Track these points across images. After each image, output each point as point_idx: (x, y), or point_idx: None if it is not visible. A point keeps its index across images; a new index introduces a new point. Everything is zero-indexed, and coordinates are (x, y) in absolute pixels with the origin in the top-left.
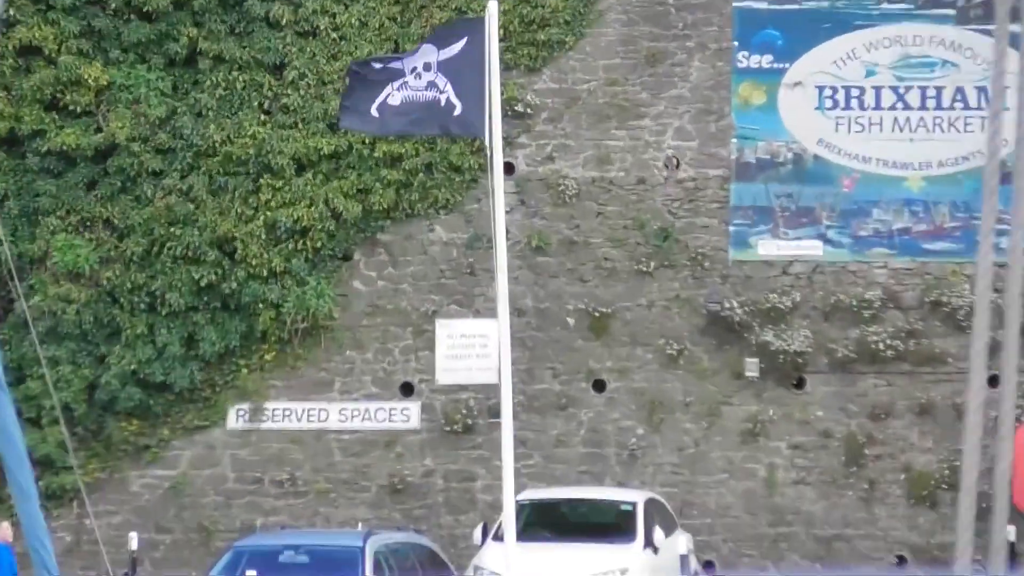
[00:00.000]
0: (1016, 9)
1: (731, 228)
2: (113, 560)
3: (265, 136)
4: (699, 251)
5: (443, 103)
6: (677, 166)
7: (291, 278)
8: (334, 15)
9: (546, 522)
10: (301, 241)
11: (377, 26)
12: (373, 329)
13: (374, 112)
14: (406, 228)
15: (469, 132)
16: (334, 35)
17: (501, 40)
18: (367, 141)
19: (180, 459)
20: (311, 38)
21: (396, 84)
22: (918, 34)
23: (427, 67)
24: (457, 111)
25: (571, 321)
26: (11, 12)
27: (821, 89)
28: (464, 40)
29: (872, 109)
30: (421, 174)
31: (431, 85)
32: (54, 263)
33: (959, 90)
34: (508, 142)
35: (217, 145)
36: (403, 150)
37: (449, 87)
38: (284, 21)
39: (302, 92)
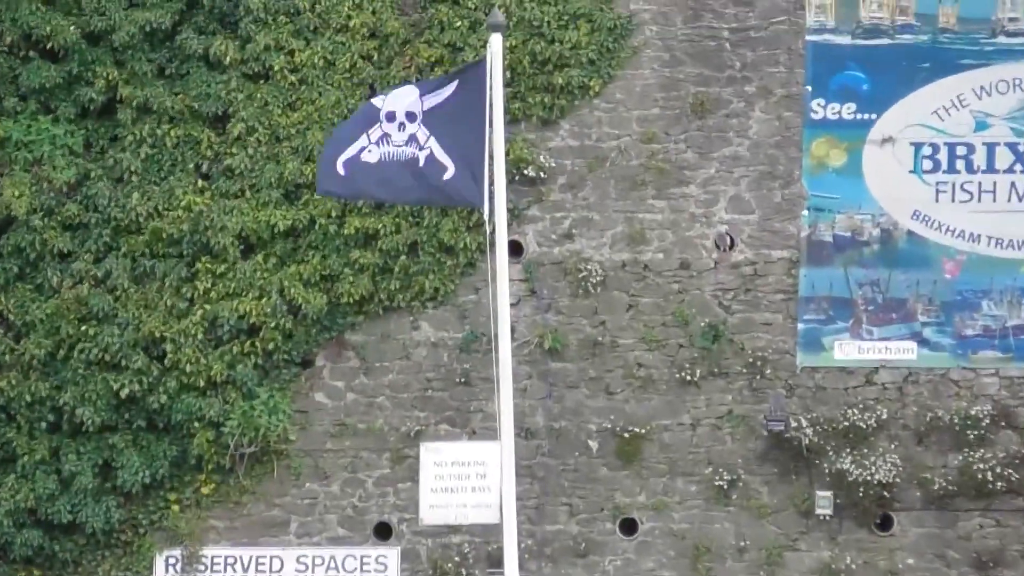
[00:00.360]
0: None
1: (800, 326)
2: None
3: (203, 208)
4: (758, 355)
5: (423, 162)
6: (731, 246)
7: (235, 390)
8: (292, 52)
9: None
10: (249, 342)
11: (347, 66)
12: (340, 455)
13: (340, 169)
14: (383, 325)
15: (463, 201)
16: (292, 78)
17: (506, 84)
18: (334, 214)
19: None
20: (262, 82)
21: (374, 135)
22: None
23: (411, 116)
24: (447, 174)
25: (594, 445)
26: None
27: (918, 147)
28: (455, 83)
29: (983, 172)
30: (403, 256)
31: (411, 139)
32: None
33: None
34: (515, 215)
35: (142, 219)
36: (380, 225)
37: (433, 142)
38: (228, 60)
39: (250, 151)
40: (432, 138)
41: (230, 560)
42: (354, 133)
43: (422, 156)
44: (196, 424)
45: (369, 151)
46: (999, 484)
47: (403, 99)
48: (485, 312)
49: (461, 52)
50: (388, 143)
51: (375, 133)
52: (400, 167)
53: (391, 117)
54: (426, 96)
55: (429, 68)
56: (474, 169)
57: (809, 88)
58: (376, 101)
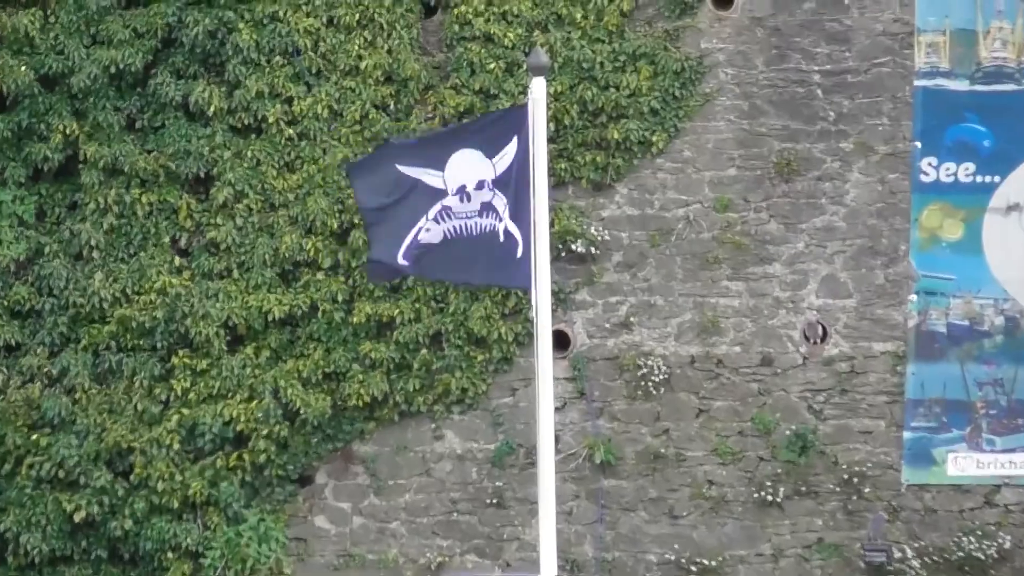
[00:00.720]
0: None
1: (906, 434)
2: None
3: (181, 291)
4: (855, 469)
5: (503, 237)
6: (824, 338)
7: (218, 512)
8: (289, 100)
9: None
10: (235, 455)
11: (357, 117)
12: None
13: (401, 261)
14: (400, 434)
15: (523, 283)
16: (289, 132)
17: (550, 140)
18: (340, 298)
19: None
20: (253, 136)
21: (433, 211)
22: None
23: (480, 184)
24: (520, 250)
25: None
26: None
27: None
28: (515, 140)
29: None
30: (424, 350)
31: (487, 209)
32: None
33: None
34: (560, 299)
35: (106, 305)
36: (396, 312)
37: (507, 212)
38: (212, 110)
39: (239, 221)
40: (507, 206)
41: None
42: (412, 219)
43: (501, 229)
44: (170, 555)
45: (428, 230)
46: None
47: (467, 166)
48: (524, 418)
49: (495, 100)
50: (450, 217)
51: (434, 208)
52: (473, 244)
53: (460, 189)
54: (496, 158)
55: (456, 119)
56: (527, 245)
57: (918, 144)
58: (430, 178)
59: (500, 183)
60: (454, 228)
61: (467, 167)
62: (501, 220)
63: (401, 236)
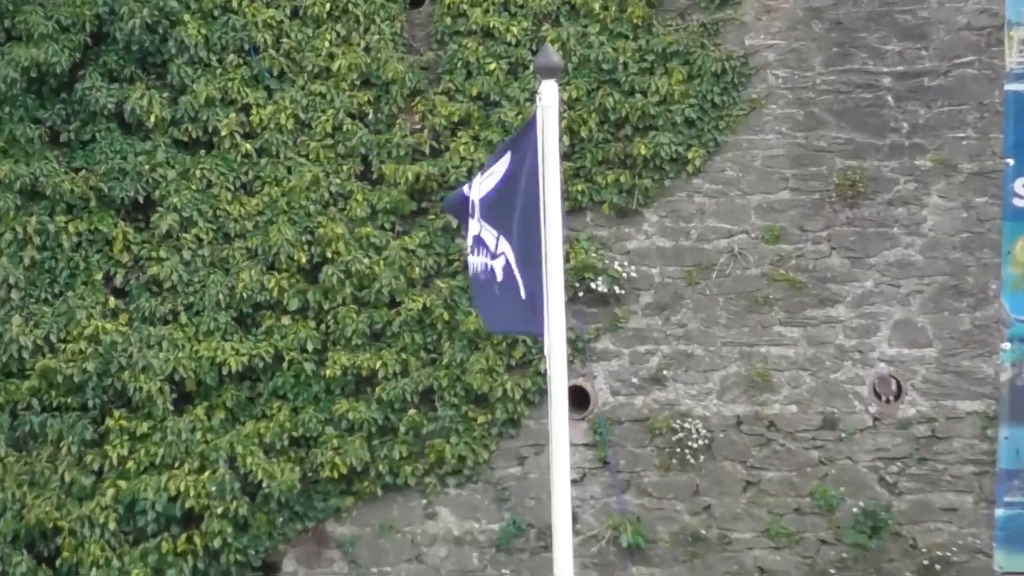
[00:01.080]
0: None
1: (998, 511)
2: None
3: (117, 339)
4: (937, 554)
5: (502, 275)
6: (898, 395)
7: None
8: (246, 108)
9: None
10: (184, 537)
11: (328, 129)
12: None
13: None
14: (384, 512)
15: (533, 329)
16: (247, 146)
17: (565, 157)
18: (311, 347)
19: None
20: (203, 152)
21: (470, 243)
22: None
23: (470, 209)
24: (523, 290)
25: None
26: None
27: None
28: (507, 155)
29: None
30: (413, 410)
31: (477, 244)
32: None
33: None
34: (578, 348)
35: (26, 355)
36: (378, 363)
37: (504, 244)
38: (152, 120)
39: (186, 255)
40: (502, 238)
41: None
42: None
43: (498, 266)
44: None
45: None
46: None
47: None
48: (534, 492)
49: (496, 108)
50: (480, 249)
51: (470, 240)
52: (483, 285)
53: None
54: (480, 178)
55: (449, 132)
56: (535, 284)
57: (1010, 162)
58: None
59: (483, 211)
60: (473, 266)
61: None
62: (495, 257)
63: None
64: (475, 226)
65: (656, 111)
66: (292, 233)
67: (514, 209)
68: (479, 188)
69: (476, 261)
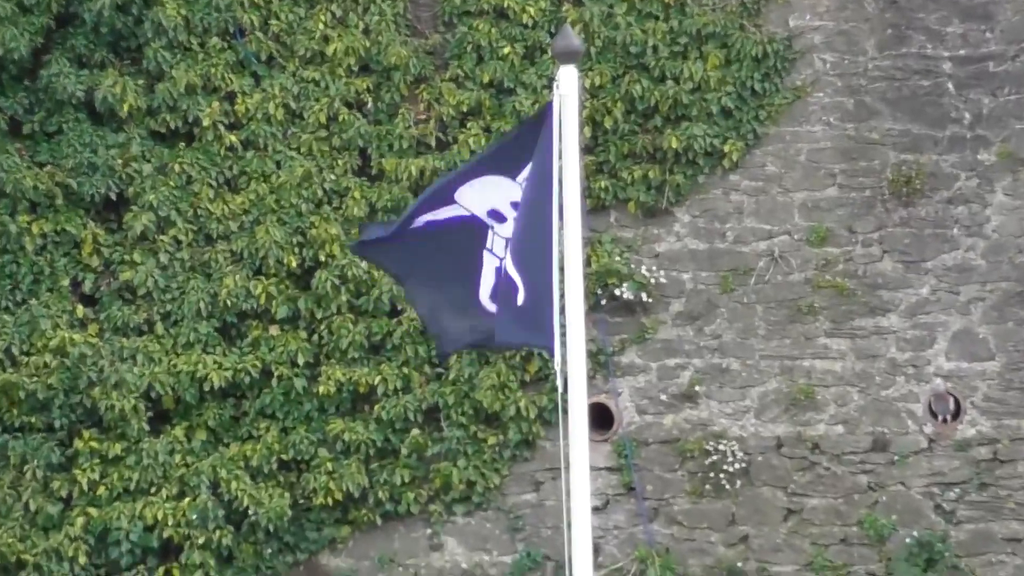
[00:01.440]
0: None
1: None
2: None
3: (86, 351)
4: None
5: (503, 279)
6: (956, 415)
7: None
8: (230, 97)
9: None
10: (162, 569)
11: (322, 120)
12: None
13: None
14: (384, 543)
15: (532, 340)
16: (231, 138)
17: (586, 150)
18: (301, 360)
19: None
20: (183, 145)
21: (488, 241)
22: None
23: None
24: (520, 296)
25: None
26: None
27: None
28: (533, 150)
29: None
30: (416, 430)
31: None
32: None
33: None
34: (600, 363)
35: None
36: (377, 379)
37: (504, 249)
38: (126, 110)
39: (163, 258)
40: (508, 245)
41: None
42: (470, 264)
43: (502, 269)
44: None
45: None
46: None
47: (487, 193)
48: (551, 521)
49: (510, 97)
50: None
51: (488, 240)
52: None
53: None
54: (517, 174)
55: (458, 123)
56: (541, 290)
57: None
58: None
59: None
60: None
61: (487, 194)
62: (501, 260)
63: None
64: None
65: (689, 100)
66: (281, 234)
67: (522, 209)
68: (484, 195)
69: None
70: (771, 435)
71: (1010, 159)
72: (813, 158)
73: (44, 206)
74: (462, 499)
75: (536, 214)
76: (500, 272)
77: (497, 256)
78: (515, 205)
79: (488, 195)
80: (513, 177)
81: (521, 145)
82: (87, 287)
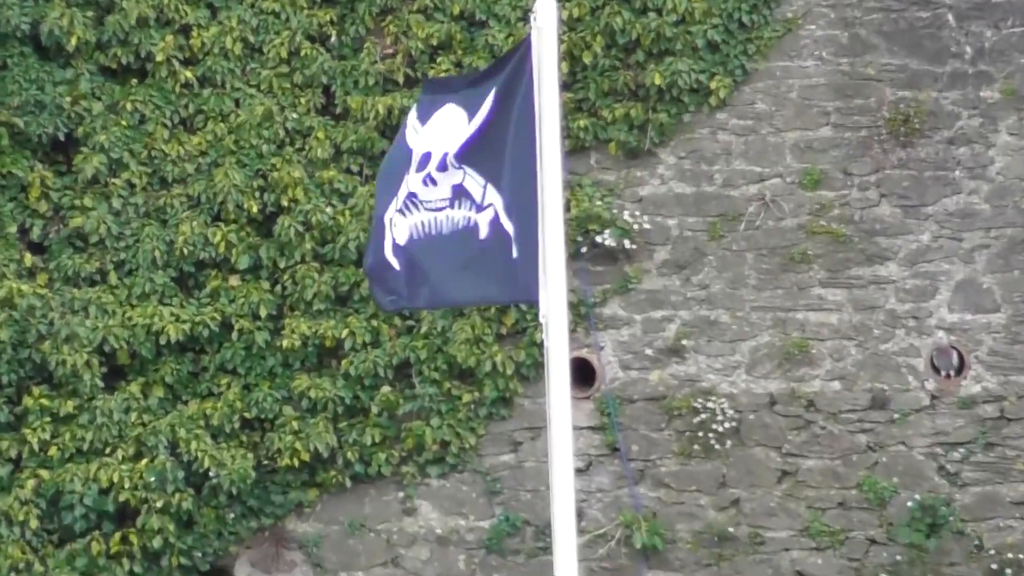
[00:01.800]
0: None
1: None
2: None
3: (35, 302)
4: (1007, 556)
5: (487, 231)
6: (960, 370)
7: None
8: (185, 30)
9: None
10: (118, 535)
11: (283, 55)
12: None
13: (391, 261)
14: (354, 507)
15: (530, 296)
16: (186, 74)
17: (565, 87)
18: (264, 312)
19: None
20: (135, 82)
21: (402, 197)
22: None
23: (443, 163)
24: (516, 249)
25: None
26: None
27: None
28: (491, 94)
29: None
30: (387, 387)
31: (459, 195)
32: None
33: None
34: (581, 315)
35: None
36: (344, 332)
37: (493, 193)
38: (74, 44)
39: (115, 203)
40: (490, 187)
41: None
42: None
43: (484, 221)
44: None
45: (396, 226)
46: None
47: (445, 130)
48: (531, 483)
49: (483, 30)
50: (416, 207)
51: (402, 191)
52: (448, 248)
53: (425, 161)
54: (474, 110)
55: (427, 57)
56: (531, 240)
57: None
58: (409, 131)
59: (468, 156)
60: (422, 225)
61: (444, 131)
62: (481, 209)
63: (380, 234)
64: (454, 175)
65: (673, 33)
66: (241, 178)
67: (503, 152)
68: (435, 136)
69: (452, 216)
70: (763, 392)
71: (1014, 96)
72: (805, 95)
73: None
74: (436, 460)
75: (522, 159)
76: (495, 224)
77: (476, 206)
78: (444, 160)
79: (440, 136)
80: (467, 105)
81: (486, 81)
82: (35, 234)
